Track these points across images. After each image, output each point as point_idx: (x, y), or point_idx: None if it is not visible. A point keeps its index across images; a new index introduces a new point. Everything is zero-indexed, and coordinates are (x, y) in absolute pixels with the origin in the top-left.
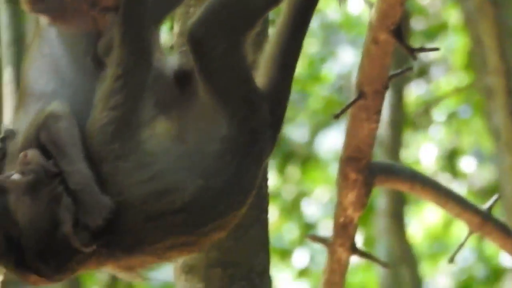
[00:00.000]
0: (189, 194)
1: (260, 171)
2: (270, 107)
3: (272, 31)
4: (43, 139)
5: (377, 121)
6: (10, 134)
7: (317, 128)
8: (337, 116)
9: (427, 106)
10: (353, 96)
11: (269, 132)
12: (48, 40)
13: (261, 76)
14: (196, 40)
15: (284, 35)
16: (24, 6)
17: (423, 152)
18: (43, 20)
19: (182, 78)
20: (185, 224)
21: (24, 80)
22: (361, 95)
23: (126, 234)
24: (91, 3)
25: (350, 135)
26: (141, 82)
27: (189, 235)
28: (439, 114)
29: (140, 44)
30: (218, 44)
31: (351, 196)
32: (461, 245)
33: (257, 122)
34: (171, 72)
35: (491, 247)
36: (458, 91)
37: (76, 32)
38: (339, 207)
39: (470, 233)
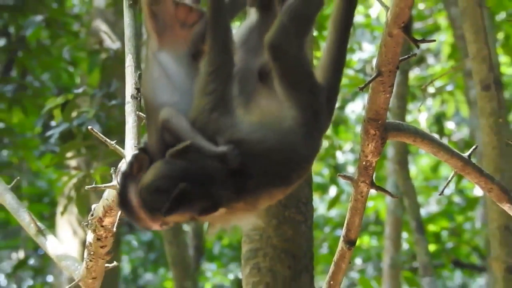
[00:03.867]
0: (273, 146)
1: (321, 140)
2: (326, 96)
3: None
4: (167, 139)
5: (391, 92)
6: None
7: (346, 99)
8: (361, 88)
9: (423, 84)
10: (373, 74)
11: (326, 113)
12: (159, 62)
13: (319, 75)
14: (274, 47)
15: (332, 49)
16: (146, 24)
17: (420, 117)
18: (153, 46)
19: (263, 75)
20: (276, 168)
21: (146, 99)
22: (379, 73)
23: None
24: (181, 24)
25: (370, 102)
26: (228, 74)
27: (282, 180)
28: (431, 89)
29: (225, 48)
30: (290, 48)
31: (370, 146)
32: (448, 182)
33: (317, 106)
34: (255, 70)
35: (470, 184)
36: (445, 73)
37: (177, 52)
38: (362, 154)
39: (455, 173)
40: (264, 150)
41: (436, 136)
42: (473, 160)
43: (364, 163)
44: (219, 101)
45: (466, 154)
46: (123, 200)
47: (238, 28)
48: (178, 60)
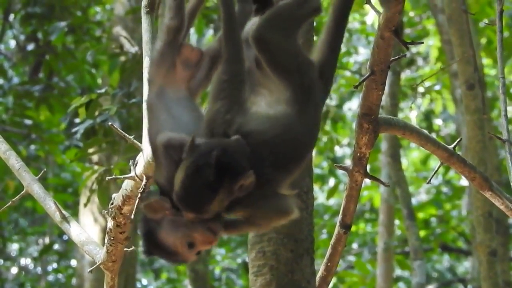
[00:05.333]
0: (277, 132)
1: (320, 112)
2: (322, 69)
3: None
4: (174, 157)
5: (383, 89)
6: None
7: (343, 98)
8: (356, 86)
9: (414, 84)
10: (367, 73)
11: (320, 85)
12: (163, 102)
13: (318, 51)
14: (257, 38)
15: (331, 27)
16: (158, 55)
17: (411, 114)
18: (155, 85)
19: (259, 62)
20: (285, 151)
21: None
22: (372, 72)
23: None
24: (184, 63)
25: (364, 98)
26: (241, 81)
27: (290, 163)
28: (421, 88)
29: (237, 58)
30: (272, 37)
31: (364, 139)
32: (435, 172)
33: (308, 81)
34: (253, 59)
35: (456, 175)
36: (434, 74)
37: (178, 93)
38: (356, 146)
39: (441, 164)
40: (268, 137)
41: (425, 131)
42: (459, 153)
43: (358, 154)
44: (233, 104)
45: (451, 146)
46: (151, 241)
47: None
48: (179, 102)
